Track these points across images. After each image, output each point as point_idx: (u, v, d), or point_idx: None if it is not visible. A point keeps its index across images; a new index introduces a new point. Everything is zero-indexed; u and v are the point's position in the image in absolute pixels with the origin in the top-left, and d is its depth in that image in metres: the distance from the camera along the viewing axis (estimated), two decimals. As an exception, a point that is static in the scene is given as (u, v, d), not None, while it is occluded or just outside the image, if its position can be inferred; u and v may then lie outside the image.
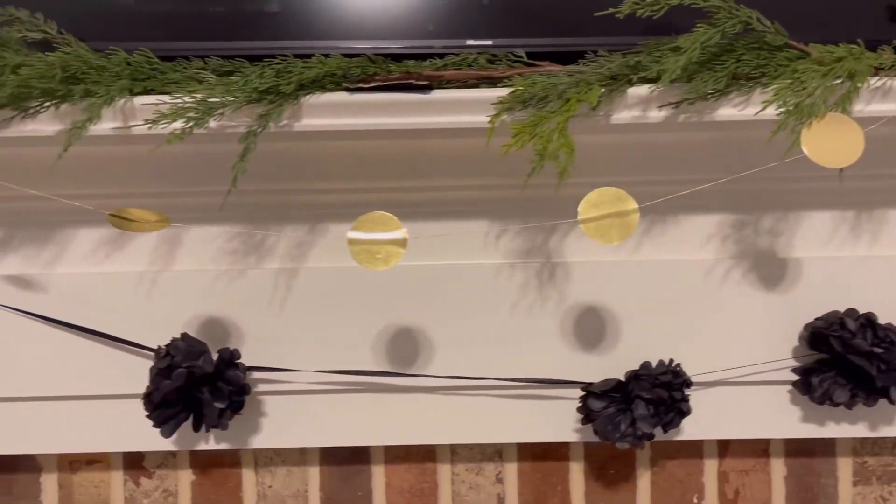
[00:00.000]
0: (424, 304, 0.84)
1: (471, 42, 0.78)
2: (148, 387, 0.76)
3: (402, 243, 0.60)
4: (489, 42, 0.78)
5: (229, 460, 0.93)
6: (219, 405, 0.75)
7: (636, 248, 0.85)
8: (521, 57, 0.76)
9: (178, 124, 0.61)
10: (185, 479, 0.93)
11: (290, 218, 0.84)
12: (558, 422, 0.85)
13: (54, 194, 0.67)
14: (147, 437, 0.86)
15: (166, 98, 0.63)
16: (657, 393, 0.73)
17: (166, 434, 0.78)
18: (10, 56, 0.59)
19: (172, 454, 0.93)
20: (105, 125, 0.65)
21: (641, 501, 0.93)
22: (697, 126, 0.70)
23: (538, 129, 0.60)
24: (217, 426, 0.77)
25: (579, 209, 0.60)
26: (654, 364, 0.77)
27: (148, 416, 0.76)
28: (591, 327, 0.84)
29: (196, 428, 0.80)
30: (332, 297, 0.83)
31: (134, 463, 0.93)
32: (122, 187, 0.80)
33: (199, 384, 0.76)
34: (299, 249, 0.85)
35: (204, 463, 0.93)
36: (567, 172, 0.59)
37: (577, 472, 0.93)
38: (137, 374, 0.83)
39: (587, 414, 0.77)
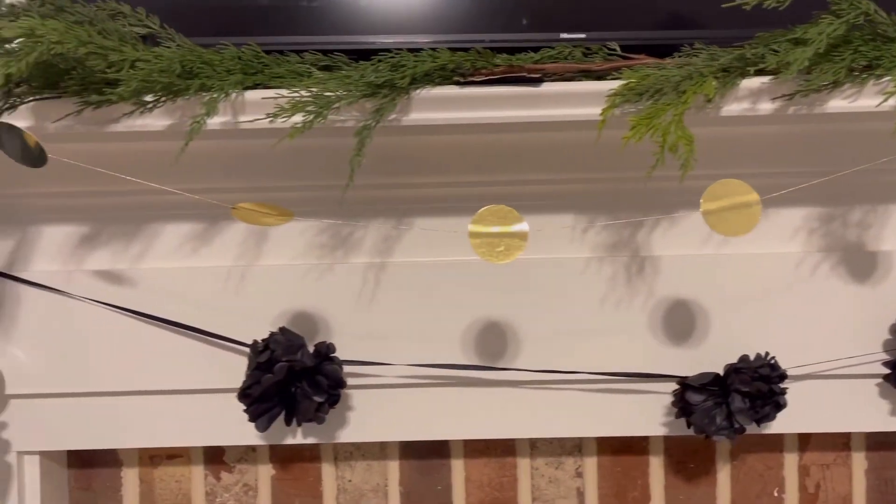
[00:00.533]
0: (512, 299, 0.84)
1: (565, 35, 0.78)
2: (245, 381, 0.76)
3: (523, 236, 0.60)
4: (583, 35, 0.78)
5: (309, 455, 0.93)
6: (317, 399, 0.75)
7: (724, 241, 0.85)
8: (615, 50, 0.76)
9: (298, 118, 0.61)
10: (264, 473, 0.93)
11: (375, 212, 0.84)
12: (640, 416, 0.85)
13: (177, 188, 0.67)
14: (228, 432, 0.86)
15: (284, 92, 0.63)
16: (756, 386, 0.73)
17: (261, 428, 0.78)
18: (129, 51, 0.59)
19: (252, 449, 0.93)
20: (218, 119, 0.65)
21: (721, 495, 0.93)
22: (801, 118, 0.69)
23: (655, 121, 0.59)
24: (313, 420, 0.77)
25: (702, 201, 0.60)
26: (751, 357, 0.76)
27: (245, 411, 0.76)
28: (678, 321, 0.84)
29: (288, 422, 0.80)
30: (419, 292, 0.84)
31: (214, 457, 0.93)
32: (212, 182, 0.80)
33: (295, 378, 0.76)
34: (386, 244, 0.85)
35: (283, 457, 0.93)
36: (690, 164, 0.59)
37: (656, 466, 0.93)
38: (220, 368, 0.83)
39: (682, 407, 0.77)
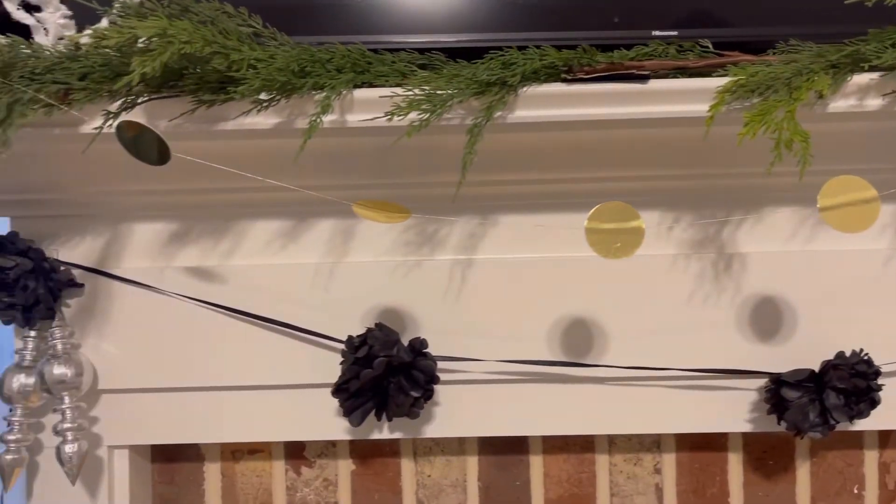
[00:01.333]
0: (599, 295, 0.84)
1: (657, 33, 0.78)
2: (341, 376, 0.77)
3: (639, 233, 0.60)
4: (675, 32, 0.78)
5: (388, 450, 0.94)
6: (414, 394, 0.76)
7: (810, 238, 0.85)
8: (707, 47, 0.76)
9: (414, 115, 0.61)
10: (344, 468, 0.94)
11: (459, 209, 0.85)
12: (721, 412, 0.86)
13: (298, 185, 0.68)
14: (309, 427, 0.87)
15: (399, 91, 0.63)
16: (854, 382, 0.73)
17: (356, 423, 0.79)
18: (247, 50, 0.60)
19: (332, 444, 0.94)
20: (329, 117, 0.65)
21: (801, 492, 0.93)
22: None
23: (767, 117, 0.60)
24: (408, 415, 0.78)
25: (819, 197, 0.60)
26: (847, 353, 0.76)
27: (341, 405, 0.77)
28: (765, 318, 0.84)
29: (379, 416, 0.81)
30: (506, 288, 0.84)
31: (295, 452, 0.94)
32: (304, 179, 0.80)
33: (389, 374, 0.77)
34: (471, 240, 0.86)
35: (363, 452, 0.94)
36: (807, 161, 0.59)
37: (735, 463, 0.93)
38: (304, 364, 0.84)
39: (776, 403, 0.77)
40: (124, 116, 0.63)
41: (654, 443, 0.93)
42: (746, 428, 0.85)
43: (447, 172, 0.81)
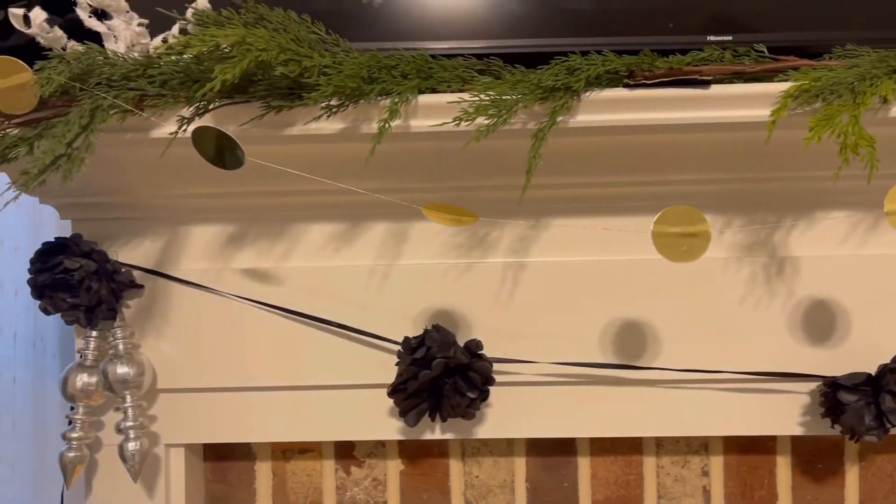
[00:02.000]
0: (650, 298, 0.85)
1: (712, 38, 0.79)
2: (398, 376, 0.78)
3: (706, 237, 0.61)
4: (730, 38, 0.79)
5: (437, 450, 0.95)
6: (470, 395, 0.77)
7: (863, 242, 0.85)
8: (763, 52, 0.77)
9: (482, 121, 0.62)
10: (393, 468, 0.95)
11: (512, 212, 0.85)
12: (770, 415, 0.86)
13: (363, 188, 0.69)
14: (359, 427, 0.88)
15: (465, 96, 0.64)
16: (913, 386, 0.74)
17: (411, 423, 0.80)
18: (318, 57, 0.61)
19: (381, 444, 0.95)
20: (395, 122, 0.67)
21: (850, 495, 0.93)
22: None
23: (833, 121, 0.60)
24: (463, 416, 0.79)
25: (886, 202, 0.61)
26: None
27: (397, 405, 0.78)
28: (817, 322, 0.84)
29: (433, 417, 0.82)
30: (557, 291, 0.85)
31: (345, 452, 0.95)
32: (369, 182, 0.82)
33: (445, 374, 0.78)
34: (522, 243, 0.87)
35: (412, 453, 0.95)
36: (875, 166, 0.59)
37: (783, 466, 0.93)
38: (356, 364, 0.86)
39: (831, 407, 0.78)
40: (197, 122, 0.65)
41: (701, 445, 0.94)
42: (797, 431, 0.86)
43: (498, 175, 0.82)
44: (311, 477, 0.96)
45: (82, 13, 0.69)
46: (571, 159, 0.80)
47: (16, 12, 0.62)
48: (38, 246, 0.81)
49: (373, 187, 0.83)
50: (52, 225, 1.07)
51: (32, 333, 1.13)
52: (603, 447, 0.94)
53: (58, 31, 0.64)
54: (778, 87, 0.67)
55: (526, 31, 0.79)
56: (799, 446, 0.93)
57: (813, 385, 0.84)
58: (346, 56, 0.65)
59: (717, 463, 0.94)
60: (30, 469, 1.10)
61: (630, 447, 0.94)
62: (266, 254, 0.87)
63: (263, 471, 0.96)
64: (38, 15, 0.61)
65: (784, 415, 0.86)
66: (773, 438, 0.93)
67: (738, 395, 0.86)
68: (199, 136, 0.60)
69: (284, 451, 0.96)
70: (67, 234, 0.83)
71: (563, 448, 0.94)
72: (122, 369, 0.81)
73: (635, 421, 0.87)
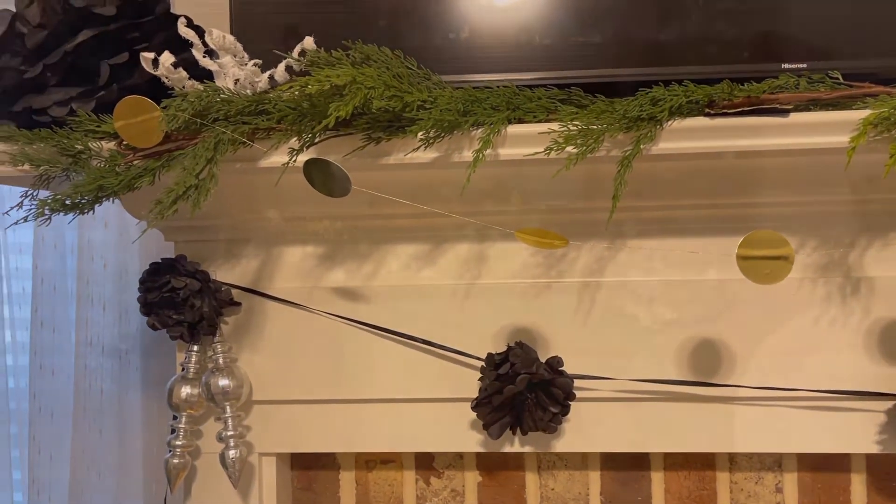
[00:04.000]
0: (725, 317, 0.87)
1: (787, 66, 0.81)
2: (482, 391, 0.82)
3: (789, 259, 0.63)
4: (804, 65, 0.81)
5: (513, 463, 0.98)
6: (553, 409, 0.80)
7: (939, 263, 0.86)
8: (838, 79, 0.79)
9: (570, 149, 0.66)
10: (471, 479, 0.99)
11: (588, 234, 0.89)
12: (845, 433, 0.87)
13: (450, 211, 0.73)
14: (439, 439, 0.92)
15: (555, 126, 0.68)
16: None
17: (495, 436, 0.83)
18: (416, 93, 0.66)
19: (460, 456, 0.99)
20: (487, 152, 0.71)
21: (927, 514, 0.93)
22: None
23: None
24: (545, 430, 0.82)
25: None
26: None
27: (481, 419, 0.82)
28: (894, 340, 0.85)
29: (514, 431, 0.85)
30: (633, 309, 0.88)
31: (425, 463, 1.00)
32: (454, 206, 0.86)
33: (528, 390, 0.82)
34: (598, 264, 0.90)
35: (489, 465, 0.99)
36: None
37: (858, 484, 0.94)
38: (438, 379, 0.90)
39: (910, 425, 0.79)
40: (306, 153, 0.70)
41: (775, 462, 0.95)
42: (873, 449, 0.87)
43: (575, 198, 0.86)
44: (393, 487, 1.00)
45: (197, 53, 0.75)
46: (650, 183, 0.84)
47: (146, 56, 0.69)
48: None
49: (455, 210, 0.88)
50: (138, 244, 1.11)
51: (118, 347, 1.19)
52: (676, 462, 0.96)
53: (182, 72, 0.70)
54: (856, 115, 0.69)
55: (605, 62, 0.83)
56: (874, 464, 0.94)
57: (889, 403, 0.85)
58: (440, 90, 0.70)
59: (790, 480, 0.95)
60: (113, 476, 1.16)
61: (703, 463, 0.96)
62: (354, 273, 0.92)
63: (347, 480, 1.00)
64: (167, 58, 0.67)
65: (859, 433, 0.87)
66: (847, 456, 0.94)
67: (812, 413, 0.88)
68: (311, 167, 0.66)
69: (367, 462, 1.00)
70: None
71: (636, 462, 0.97)
72: (223, 381, 0.87)
73: (710, 437, 0.89)
